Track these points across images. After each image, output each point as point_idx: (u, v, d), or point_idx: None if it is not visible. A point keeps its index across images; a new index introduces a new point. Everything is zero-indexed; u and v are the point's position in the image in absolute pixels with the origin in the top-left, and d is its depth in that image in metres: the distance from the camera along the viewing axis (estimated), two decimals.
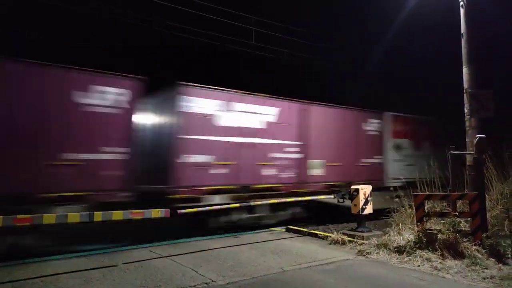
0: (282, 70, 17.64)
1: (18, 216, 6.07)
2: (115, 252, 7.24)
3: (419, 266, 6.11)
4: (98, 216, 6.70)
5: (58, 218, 6.38)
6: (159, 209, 7.31)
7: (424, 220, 6.98)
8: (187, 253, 7.18)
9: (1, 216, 5.89)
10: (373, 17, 16.81)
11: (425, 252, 6.42)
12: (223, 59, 16.45)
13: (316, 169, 11.07)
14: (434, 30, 14.60)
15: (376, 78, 18.09)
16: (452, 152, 7.63)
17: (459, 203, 7.33)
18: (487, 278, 5.46)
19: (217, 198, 9.07)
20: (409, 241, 6.81)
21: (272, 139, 10.25)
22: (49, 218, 6.26)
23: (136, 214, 7.11)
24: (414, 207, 7.22)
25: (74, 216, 6.46)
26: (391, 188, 11.11)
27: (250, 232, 9.37)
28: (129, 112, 8.09)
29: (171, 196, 8.40)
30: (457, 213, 6.88)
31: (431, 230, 6.79)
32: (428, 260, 6.22)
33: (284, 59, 15.60)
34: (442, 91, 14.57)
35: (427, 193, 7.83)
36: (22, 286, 5.31)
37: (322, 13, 19.23)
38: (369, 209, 8.44)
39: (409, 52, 16.34)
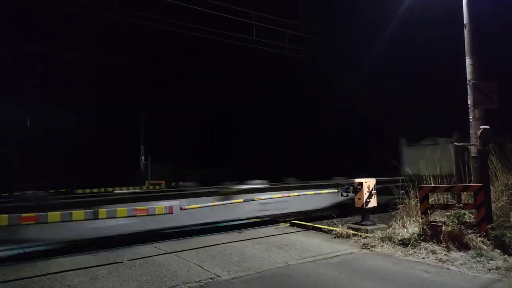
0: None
1: (23, 215, 6.09)
2: (121, 249, 7.28)
3: (424, 258, 6.11)
4: (103, 213, 6.72)
5: (63, 217, 6.39)
6: (163, 206, 7.32)
7: (429, 212, 6.96)
8: (192, 249, 7.21)
9: (7, 215, 5.92)
10: (372, 15, 16.76)
11: (430, 245, 6.41)
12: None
13: None
14: (436, 25, 14.52)
15: (376, 78, 18.10)
16: (456, 143, 7.59)
17: (463, 195, 7.30)
18: (493, 269, 5.44)
19: None
20: (413, 233, 6.79)
21: None
22: (54, 216, 6.28)
23: (140, 211, 7.12)
24: (418, 200, 7.20)
25: (79, 214, 6.48)
26: None
27: (254, 227, 9.39)
28: None
29: None
30: (461, 204, 6.86)
31: (436, 222, 6.78)
32: (433, 252, 6.21)
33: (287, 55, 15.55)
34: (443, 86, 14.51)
35: (432, 185, 7.80)
36: (29, 284, 5.34)
37: (321, 13, 19.17)
38: (373, 203, 8.42)
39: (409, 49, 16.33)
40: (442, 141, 13.28)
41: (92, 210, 6.68)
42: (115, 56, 18.39)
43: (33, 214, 6.23)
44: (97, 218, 6.62)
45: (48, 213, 6.30)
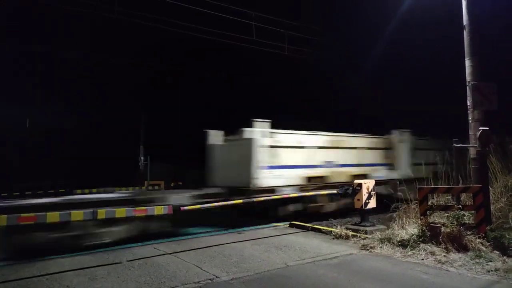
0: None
1: (22, 215, 6.11)
2: (120, 250, 7.27)
3: (423, 259, 6.10)
4: (102, 213, 6.73)
5: (61, 217, 6.40)
6: (162, 206, 7.33)
7: (428, 213, 6.95)
8: (191, 249, 7.21)
9: (5, 215, 5.92)
10: (374, 15, 16.79)
11: (429, 246, 6.40)
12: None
13: None
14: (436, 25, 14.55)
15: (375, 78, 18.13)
16: (456, 145, 7.58)
17: (463, 196, 7.30)
18: (492, 270, 5.44)
19: None
20: (412, 234, 6.79)
21: None
22: (52, 216, 6.29)
23: (139, 211, 7.14)
24: (418, 201, 7.19)
25: (78, 214, 6.49)
26: None
27: (253, 227, 9.39)
28: None
29: None
30: (461, 206, 6.85)
31: (435, 223, 6.77)
32: (432, 253, 6.20)
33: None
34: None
35: (431, 186, 7.80)
36: (28, 284, 5.35)
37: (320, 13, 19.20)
38: (372, 204, 8.42)
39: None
40: (248, 133, 10.03)
41: (91, 211, 6.70)
42: (115, 56, 18.39)
43: (32, 214, 6.24)
44: (96, 219, 6.64)
45: (47, 213, 6.31)
